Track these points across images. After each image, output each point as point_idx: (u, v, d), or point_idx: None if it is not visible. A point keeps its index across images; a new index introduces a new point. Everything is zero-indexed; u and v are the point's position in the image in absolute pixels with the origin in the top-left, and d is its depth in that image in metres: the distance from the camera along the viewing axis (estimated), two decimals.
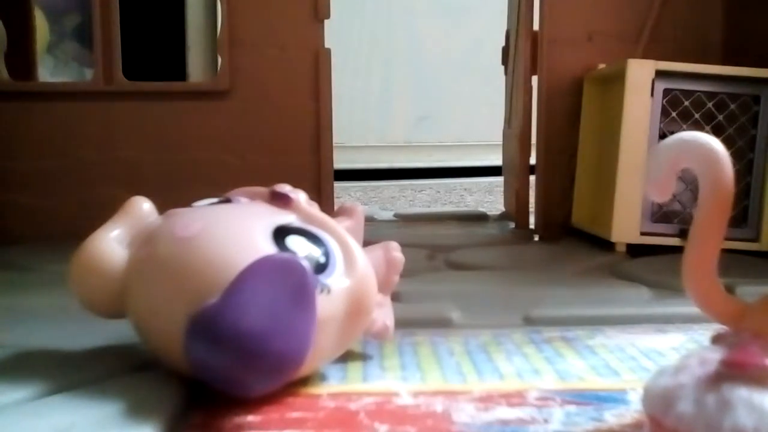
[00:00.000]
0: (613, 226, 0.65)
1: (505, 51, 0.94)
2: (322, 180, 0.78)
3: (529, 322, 0.45)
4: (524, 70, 0.80)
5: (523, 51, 0.80)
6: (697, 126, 0.64)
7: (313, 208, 0.36)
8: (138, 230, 0.34)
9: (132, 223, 0.34)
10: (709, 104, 0.65)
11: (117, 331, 0.37)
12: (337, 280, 0.32)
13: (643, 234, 0.65)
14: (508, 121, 0.95)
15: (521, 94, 0.81)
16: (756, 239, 0.64)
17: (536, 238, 0.79)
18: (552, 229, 0.78)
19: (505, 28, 0.95)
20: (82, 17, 1.77)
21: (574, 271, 0.61)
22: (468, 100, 1.82)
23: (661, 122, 0.65)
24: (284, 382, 0.31)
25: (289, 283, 0.29)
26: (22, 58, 0.82)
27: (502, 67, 0.96)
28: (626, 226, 0.65)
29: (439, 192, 1.54)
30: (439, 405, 0.31)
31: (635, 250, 0.65)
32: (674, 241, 0.65)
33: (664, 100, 0.65)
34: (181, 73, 1.73)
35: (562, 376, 0.35)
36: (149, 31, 1.63)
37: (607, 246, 0.67)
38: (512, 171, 0.89)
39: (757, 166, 0.65)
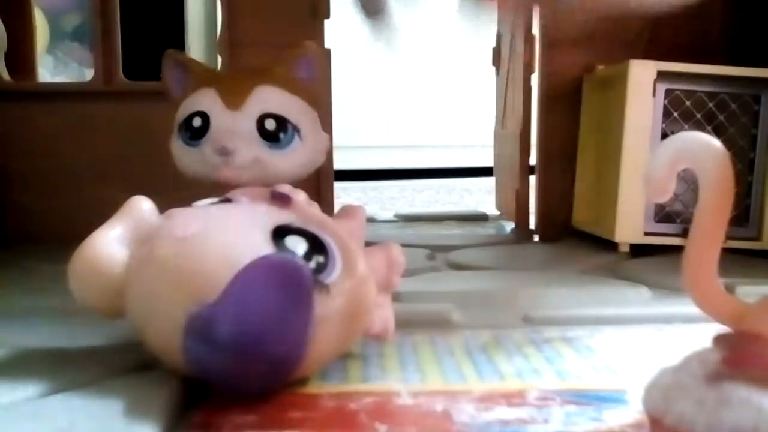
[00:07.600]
0: (617, 226, 0.65)
1: (496, 52, 0.94)
2: (322, 180, 0.78)
3: (529, 322, 0.45)
4: (523, 70, 0.80)
5: (521, 51, 0.80)
6: (699, 126, 0.64)
7: (313, 208, 0.36)
8: (138, 230, 0.34)
9: (132, 223, 0.34)
10: (710, 104, 0.65)
11: (117, 331, 0.37)
12: (335, 281, 0.32)
13: (646, 234, 0.65)
14: (501, 121, 0.95)
15: (519, 95, 0.81)
16: (757, 238, 0.64)
17: (536, 238, 0.79)
18: (552, 229, 0.78)
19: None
20: (82, 17, 1.77)
21: (575, 271, 0.61)
22: (468, 100, 1.82)
23: (662, 122, 0.65)
24: (282, 382, 0.31)
25: (286, 283, 0.29)
26: (22, 58, 0.82)
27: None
28: (629, 226, 0.65)
29: (439, 192, 1.54)
30: (439, 405, 0.31)
31: (635, 250, 0.65)
32: (677, 241, 0.65)
33: (666, 101, 0.65)
34: None
35: (562, 376, 0.35)
36: (149, 31, 1.63)
37: (607, 246, 0.66)
38: (509, 171, 0.89)
39: (758, 165, 0.65)
